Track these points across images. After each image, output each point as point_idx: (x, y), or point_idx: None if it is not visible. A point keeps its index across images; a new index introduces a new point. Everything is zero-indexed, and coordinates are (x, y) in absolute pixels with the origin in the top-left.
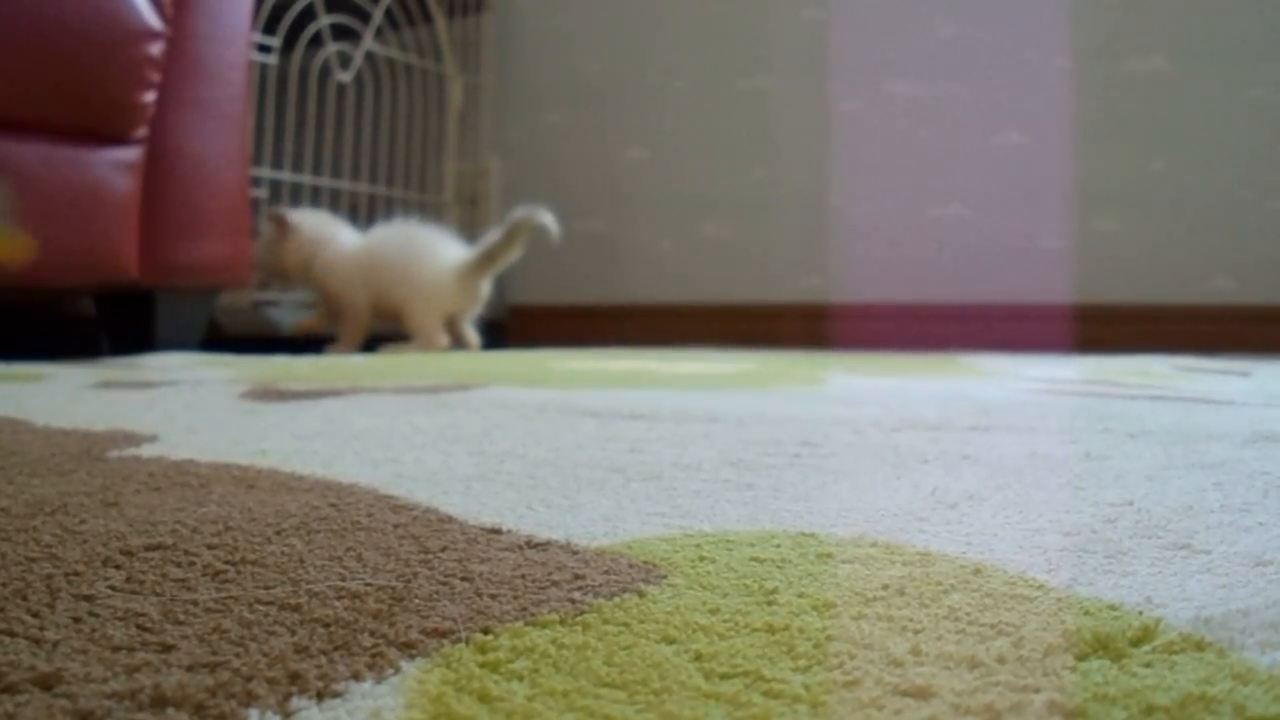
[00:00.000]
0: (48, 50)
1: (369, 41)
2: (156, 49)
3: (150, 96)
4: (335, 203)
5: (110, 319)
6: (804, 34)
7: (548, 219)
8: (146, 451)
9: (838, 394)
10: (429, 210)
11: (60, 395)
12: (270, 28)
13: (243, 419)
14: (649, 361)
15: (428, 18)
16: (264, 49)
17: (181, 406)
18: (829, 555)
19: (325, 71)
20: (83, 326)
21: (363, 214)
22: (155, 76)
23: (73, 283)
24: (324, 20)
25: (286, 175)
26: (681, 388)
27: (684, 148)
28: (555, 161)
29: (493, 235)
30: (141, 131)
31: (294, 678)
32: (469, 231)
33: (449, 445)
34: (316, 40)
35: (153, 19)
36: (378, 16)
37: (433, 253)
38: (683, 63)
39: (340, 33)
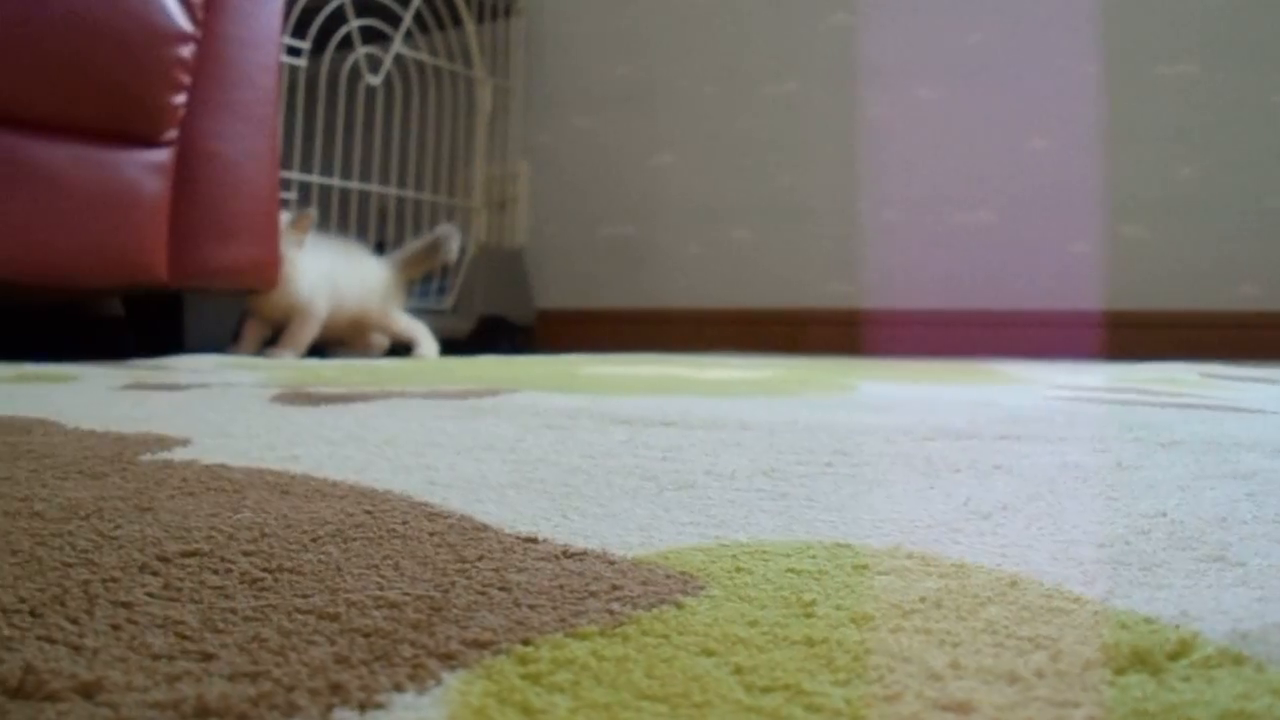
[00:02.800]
0: (78, 52)
1: (398, 45)
2: (187, 51)
3: (180, 99)
4: (364, 206)
5: (139, 320)
6: (832, 39)
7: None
8: (179, 455)
9: (868, 401)
10: (458, 214)
11: (90, 397)
12: (300, 30)
13: (274, 423)
14: (678, 367)
15: (457, 21)
16: (294, 51)
17: (212, 410)
18: (865, 566)
19: (355, 74)
20: (111, 327)
21: (391, 218)
22: (185, 79)
23: (102, 284)
24: (354, 23)
25: (316, 178)
26: (711, 394)
27: (712, 153)
28: (584, 166)
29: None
30: (171, 134)
31: (336, 688)
32: (498, 236)
33: (482, 451)
34: (346, 43)
35: (183, 21)
36: (407, 20)
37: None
38: (711, 68)
39: (370, 36)
